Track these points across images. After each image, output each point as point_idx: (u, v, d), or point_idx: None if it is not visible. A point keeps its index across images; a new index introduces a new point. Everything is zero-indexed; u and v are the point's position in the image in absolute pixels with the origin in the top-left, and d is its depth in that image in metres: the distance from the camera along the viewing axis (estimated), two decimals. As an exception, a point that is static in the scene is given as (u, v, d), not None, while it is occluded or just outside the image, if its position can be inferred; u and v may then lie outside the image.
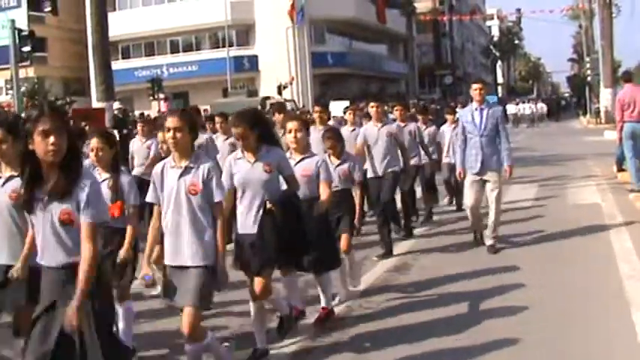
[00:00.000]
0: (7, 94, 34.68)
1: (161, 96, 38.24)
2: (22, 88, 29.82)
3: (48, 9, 26.84)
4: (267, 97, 43.16)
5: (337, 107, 41.55)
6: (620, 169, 16.18)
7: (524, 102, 59.00)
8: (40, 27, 37.33)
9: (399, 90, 73.39)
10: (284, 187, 6.23)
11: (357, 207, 8.11)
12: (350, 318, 7.25)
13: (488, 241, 9.89)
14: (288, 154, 6.78)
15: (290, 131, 6.90)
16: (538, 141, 33.20)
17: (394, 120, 12.04)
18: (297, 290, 7.05)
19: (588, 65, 52.24)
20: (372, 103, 10.77)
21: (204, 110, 37.67)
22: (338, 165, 8.11)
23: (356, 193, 8.13)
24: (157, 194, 5.40)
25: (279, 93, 46.59)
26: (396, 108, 12.60)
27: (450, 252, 10.20)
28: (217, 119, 12.60)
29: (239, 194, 6.09)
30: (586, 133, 37.26)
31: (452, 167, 12.36)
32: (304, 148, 6.98)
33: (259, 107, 37.70)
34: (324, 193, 6.80)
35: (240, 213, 6.08)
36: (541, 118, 56.60)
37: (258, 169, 6.00)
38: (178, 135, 5.22)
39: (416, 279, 8.65)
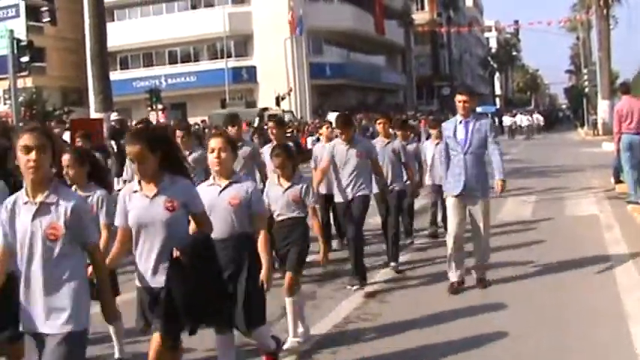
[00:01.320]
0: (5, 104, 34.72)
1: (159, 107, 38.22)
2: (20, 98, 29.85)
3: (47, 19, 26.95)
4: (266, 108, 43.33)
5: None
6: (618, 181, 16.18)
7: (520, 113, 58.13)
8: (38, 37, 37.43)
9: (397, 101, 73.54)
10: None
11: (320, 240, 6.94)
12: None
13: (476, 274, 8.63)
14: (210, 180, 5.85)
15: (212, 150, 5.63)
16: (536, 153, 33.19)
17: (370, 135, 11.36)
18: (231, 351, 5.75)
19: (586, 77, 52.46)
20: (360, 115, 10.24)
21: (202, 121, 37.82)
22: (287, 188, 6.88)
23: (314, 222, 7.02)
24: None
25: (278, 104, 46.66)
26: (379, 121, 10.75)
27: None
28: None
29: (134, 237, 4.95)
30: (584, 145, 37.29)
31: (437, 189, 11.74)
32: (230, 171, 5.76)
33: (257, 118, 37.94)
34: (258, 230, 5.67)
35: (137, 262, 4.97)
36: (538, 130, 55.82)
37: (159, 206, 4.81)
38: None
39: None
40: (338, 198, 9.19)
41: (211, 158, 5.64)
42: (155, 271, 4.84)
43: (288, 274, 6.68)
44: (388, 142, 10.21)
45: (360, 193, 8.94)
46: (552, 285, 8.35)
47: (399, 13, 71.55)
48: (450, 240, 8.51)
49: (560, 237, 11.35)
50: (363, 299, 8.26)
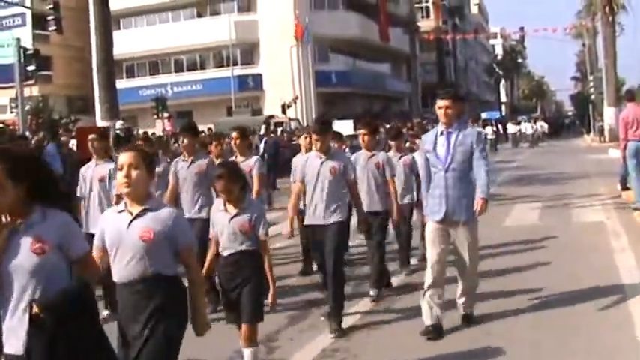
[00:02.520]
0: (11, 112, 34.78)
1: (165, 115, 38.32)
2: (27, 107, 29.96)
3: (53, 28, 27.08)
4: (272, 116, 43.40)
5: (341, 126, 41.76)
6: (625, 188, 16.15)
7: (525, 121, 57.12)
8: (45, 46, 37.62)
9: (403, 109, 73.49)
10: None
11: (270, 280, 5.85)
12: None
13: (462, 309, 7.43)
14: (113, 209, 4.78)
15: (121, 167, 4.45)
16: (541, 160, 33.17)
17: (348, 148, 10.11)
18: None
19: (592, 83, 52.40)
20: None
21: (209, 129, 37.86)
22: (234, 216, 5.79)
23: (265, 259, 5.84)
24: None
25: (283, 112, 46.72)
26: (361, 131, 9.15)
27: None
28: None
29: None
30: (590, 152, 37.22)
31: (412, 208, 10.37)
32: (144, 195, 4.49)
33: (263, 126, 37.99)
34: (188, 268, 4.56)
35: (3, 319, 3.73)
36: (542, 138, 54.72)
37: (24, 249, 3.64)
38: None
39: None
40: (308, 220, 7.73)
41: (119, 177, 4.46)
42: (22, 332, 3.56)
43: (245, 326, 5.69)
44: (372, 156, 8.93)
45: (333, 220, 7.44)
46: (558, 292, 8.32)
47: (404, 21, 71.54)
48: (428, 274, 7.13)
49: (567, 244, 11.33)
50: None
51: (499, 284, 8.79)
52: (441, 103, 7.15)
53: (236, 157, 9.26)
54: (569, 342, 6.50)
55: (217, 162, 8.71)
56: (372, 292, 8.67)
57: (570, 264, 9.89)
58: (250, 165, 8.98)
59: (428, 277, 7.08)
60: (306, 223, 7.79)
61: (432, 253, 7.11)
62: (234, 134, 9.36)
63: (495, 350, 6.40)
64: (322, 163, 7.50)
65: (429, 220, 7.25)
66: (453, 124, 7.07)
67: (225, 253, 5.82)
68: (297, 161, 9.49)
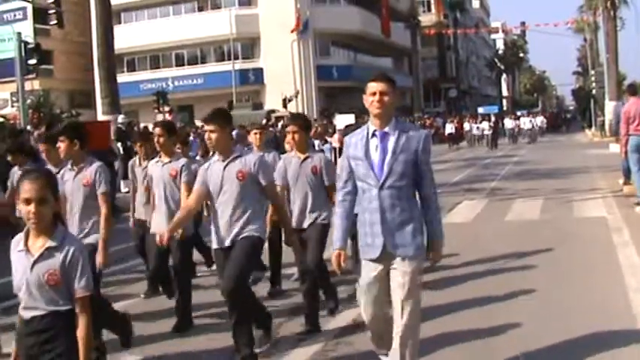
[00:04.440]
0: (12, 106, 34.83)
1: (166, 109, 38.30)
2: (28, 101, 29.96)
3: (54, 22, 27.01)
4: (273, 111, 43.43)
5: (342, 120, 41.70)
6: (627, 182, 16.11)
7: (524, 116, 56.40)
8: (46, 40, 37.59)
9: (404, 103, 73.48)
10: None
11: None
12: None
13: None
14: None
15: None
16: (543, 154, 33.15)
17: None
18: None
19: (593, 78, 52.36)
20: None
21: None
22: (35, 262, 3.84)
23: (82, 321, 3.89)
24: None
25: (284, 106, 46.73)
26: (290, 128, 7.35)
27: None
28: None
29: None
30: (591, 147, 37.21)
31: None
32: (49, 228, 3.83)
33: (265, 120, 37.96)
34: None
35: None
36: (541, 133, 54.21)
37: None
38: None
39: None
40: (214, 244, 6.34)
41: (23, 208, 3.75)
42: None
43: None
44: (306, 159, 7.38)
45: (245, 235, 6.12)
46: (560, 286, 8.31)
47: (405, 16, 71.50)
48: (369, 327, 5.40)
49: (568, 239, 11.31)
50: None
51: (500, 279, 8.78)
52: (373, 86, 4.92)
53: (160, 157, 7.79)
54: (571, 336, 6.49)
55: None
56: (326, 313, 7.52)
57: (572, 258, 9.87)
58: (177, 168, 7.59)
59: (371, 335, 5.47)
60: (214, 247, 6.40)
61: (367, 306, 5.19)
62: (157, 130, 7.77)
63: (496, 347, 6.39)
64: (225, 167, 6.17)
65: (362, 259, 5.16)
66: (390, 120, 4.95)
67: (26, 316, 3.91)
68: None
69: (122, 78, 38.44)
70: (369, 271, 5.06)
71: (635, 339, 6.28)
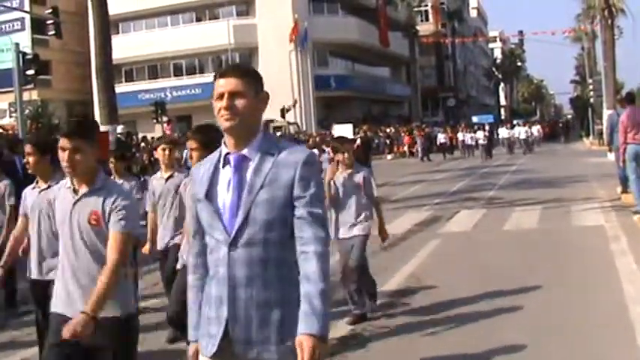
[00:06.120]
0: (10, 116, 34.80)
1: (164, 119, 38.31)
2: (26, 111, 29.96)
3: (52, 32, 27.06)
4: (271, 120, 43.42)
5: (340, 130, 41.77)
6: (625, 191, 16.12)
7: (519, 125, 54.81)
8: (43, 50, 37.58)
9: (402, 113, 73.64)
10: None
11: None
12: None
13: None
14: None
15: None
16: (541, 163, 33.18)
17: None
18: None
19: (591, 87, 52.48)
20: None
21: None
22: None
23: None
24: None
25: (282, 116, 46.79)
26: (190, 144, 5.81)
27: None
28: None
29: None
30: (589, 155, 37.24)
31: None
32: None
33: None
34: None
35: None
36: (538, 143, 52.59)
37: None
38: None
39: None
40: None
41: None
42: None
43: None
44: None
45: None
46: (558, 294, 8.31)
47: (403, 25, 71.63)
48: None
49: (566, 247, 11.32)
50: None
51: (498, 288, 8.77)
52: (220, 86, 3.31)
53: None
54: (569, 346, 6.49)
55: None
56: None
57: (570, 267, 9.87)
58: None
59: None
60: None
61: None
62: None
63: (494, 356, 6.38)
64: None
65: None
66: (251, 137, 3.21)
67: None
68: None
69: (120, 88, 38.48)
70: None
71: (632, 347, 6.28)
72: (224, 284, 3.10)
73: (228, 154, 3.21)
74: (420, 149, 46.64)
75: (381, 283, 9.39)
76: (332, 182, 7.76)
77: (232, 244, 3.09)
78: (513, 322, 7.35)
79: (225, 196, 3.16)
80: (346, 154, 7.74)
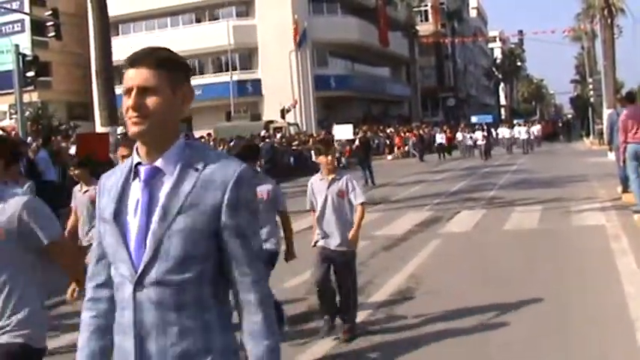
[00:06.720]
0: (10, 118, 34.81)
1: (165, 120, 38.27)
2: (26, 113, 29.95)
3: (52, 34, 27.09)
4: (271, 121, 43.49)
5: (340, 131, 41.75)
6: (626, 191, 16.11)
7: (519, 125, 54.19)
8: (43, 52, 37.65)
9: (402, 112, 73.64)
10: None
11: None
12: None
13: None
14: None
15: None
16: (541, 163, 33.17)
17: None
18: None
19: (591, 86, 52.47)
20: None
21: (208, 134, 37.90)
22: None
23: None
24: None
25: (283, 116, 46.82)
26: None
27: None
28: None
29: None
30: (590, 154, 37.22)
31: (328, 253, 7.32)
32: None
33: (263, 131, 38.02)
34: None
35: None
36: (538, 142, 52.49)
37: None
38: None
39: None
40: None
41: None
42: None
43: None
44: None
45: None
46: (558, 294, 8.31)
47: (403, 25, 71.63)
48: None
49: (567, 247, 11.32)
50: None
51: (498, 288, 8.78)
52: (129, 77, 2.52)
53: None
54: (569, 346, 6.49)
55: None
56: None
57: (570, 267, 9.87)
58: None
59: None
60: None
61: None
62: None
63: (494, 355, 6.38)
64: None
65: None
66: (167, 144, 2.47)
67: None
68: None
69: (120, 90, 38.39)
70: None
71: (632, 347, 6.28)
72: (130, 333, 2.36)
73: (139, 163, 2.46)
74: (412, 150, 46.73)
75: (381, 284, 9.44)
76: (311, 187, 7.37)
77: (138, 283, 2.35)
78: (513, 322, 7.35)
79: (132, 219, 2.41)
80: (329, 158, 7.17)
